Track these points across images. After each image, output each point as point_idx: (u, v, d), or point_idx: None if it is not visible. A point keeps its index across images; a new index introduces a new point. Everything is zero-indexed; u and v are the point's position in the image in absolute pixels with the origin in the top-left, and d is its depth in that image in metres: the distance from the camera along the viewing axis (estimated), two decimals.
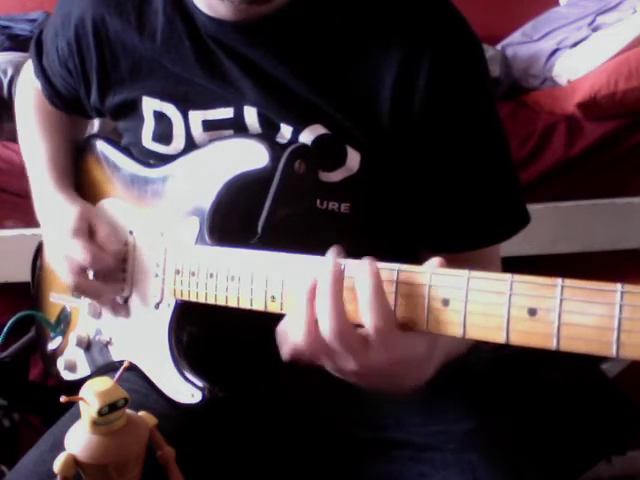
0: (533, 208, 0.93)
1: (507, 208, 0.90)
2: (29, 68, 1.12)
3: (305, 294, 0.67)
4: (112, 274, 0.95)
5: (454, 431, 0.84)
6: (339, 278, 0.65)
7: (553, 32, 1.98)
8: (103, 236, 0.93)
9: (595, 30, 1.87)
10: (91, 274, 0.95)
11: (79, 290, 0.96)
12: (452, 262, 0.64)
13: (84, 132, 1.18)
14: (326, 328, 0.65)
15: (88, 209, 0.98)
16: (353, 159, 0.85)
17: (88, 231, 0.94)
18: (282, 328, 0.72)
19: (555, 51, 1.87)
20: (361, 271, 0.64)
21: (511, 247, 0.96)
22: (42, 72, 1.06)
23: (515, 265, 0.86)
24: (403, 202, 0.89)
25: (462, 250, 0.88)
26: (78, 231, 0.93)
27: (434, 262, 0.63)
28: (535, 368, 0.93)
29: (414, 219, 0.90)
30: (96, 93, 0.97)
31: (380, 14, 0.84)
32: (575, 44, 1.84)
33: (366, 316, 0.64)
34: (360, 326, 0.66)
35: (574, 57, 1.80)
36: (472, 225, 0.88)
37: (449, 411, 0.86)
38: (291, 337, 0.69)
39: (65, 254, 0.93)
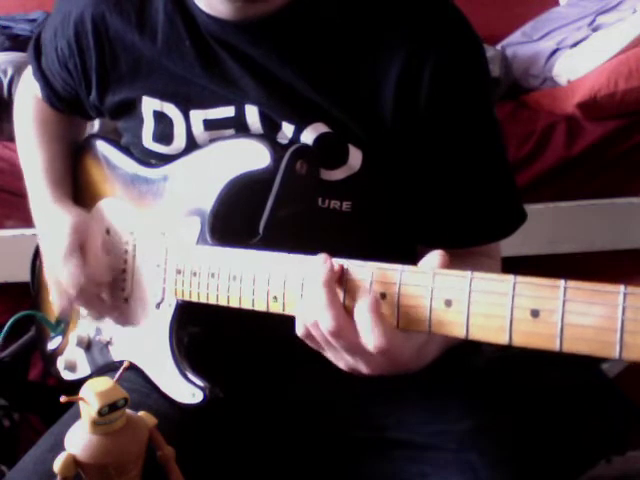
0: (533, 208, 0.93)
1: (506, 205, 0.91)
2: (29, 75, 1.11)
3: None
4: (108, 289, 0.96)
5: (454, 431, 0.84)
6: (331, 275, 0.66)
7: (553, 32, 1.98)
8: (94, 265, 0.93)
9: (595, 30, 1.87)
10: None
11: (64, 315, 0.96)
12: (452, 257, 0.64)
13: (83, 135, 1.17)
14: (324, 326, 0.66)
15: (82, 222, 0.97)
16: (355, 157, 0.85)
17: (81, 248, 0.94)
18: None
19: (555, 51, 1.87)
20: (359, 296, 0.66)
21: (511, 247, 0.97)
22: (41, 74, 1.06)
23: (515, 265, 0.86)
24: (404, 200, 0.89)
25: (462, 247, 0.89)
26: (71, 253, 0.93)
27: (435, 260, 0.63)
28: (535, 368, 0.93)
29: (414, 217, 0.90)
30: (95, 92, 0.97)
31: (383, 14, 0.84)
32: (575, 44, 1.84)
33: (368, 339, 0.65)
34: None
35: (574, 57, 1.80)
36: (471, 222, 0.89)
37: (449, 411, 0.86)
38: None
39: (56, 278, 0.94)
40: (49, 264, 0.98)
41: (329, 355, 0.70)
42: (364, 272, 0.66)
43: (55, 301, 0.95)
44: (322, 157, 0.85)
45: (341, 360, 0.70)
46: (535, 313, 0.55)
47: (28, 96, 1.12)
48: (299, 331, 0.70)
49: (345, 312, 0.66)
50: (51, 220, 0.99)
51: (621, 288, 0.51)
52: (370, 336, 0.64)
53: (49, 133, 1.09)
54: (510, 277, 0.57)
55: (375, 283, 0.65)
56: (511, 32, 2.18)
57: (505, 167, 0.91)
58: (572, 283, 0.54)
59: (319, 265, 0.67)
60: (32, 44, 1.07)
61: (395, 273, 0.64)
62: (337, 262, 0.68)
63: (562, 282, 0.54)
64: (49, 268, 0.98)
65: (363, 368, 0.68)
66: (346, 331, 0.66)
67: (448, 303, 0.60)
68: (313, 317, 0.67)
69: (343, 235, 0.86)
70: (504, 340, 0.57)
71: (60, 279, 0.93)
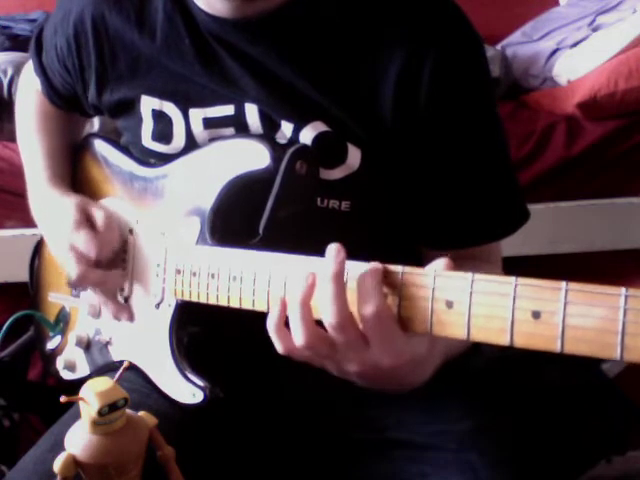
0: (533, 208, 0.93)
1: (507, 204, 0.91)
2: (29, 69, 1.12)
3: (301, 294, 0.67)
4: (114, 264, 0.95)
5: (454, 431, 0.84)
6: (342, 268, 0.65)
7: (553, 32, 1.98)
8: (102, 224, 0.93)
9: (595, 30, 1.87)
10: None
11: (83, 281, 0.95)
12: (453, 259, 0.64)
13: (82, 132, 1.18)
14: (328, 319, 0.65)
15: (83, 200, 0.98)
16: (354, 157, 0.85)
17: (88, 221, 0.94)
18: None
19: (555, 51, 1.87)
20: (360, 265, 0.65)
21: (511, 247, 0.97)
22: (42, 70, 1.07)
23: (515, 265, 0.86)
24: (403, 199, 0.89)
25: (463, 247, 0.89)
26: (79, 223, 0.93)
27: (440, 263, 0.63)
28: (535, 368, 0.93)
29: (415, 216, 0.90)
30: (94, 90, 0.97)
31: (382, 13, 0.84)
32: (575, 44, 1.84)
33: (361, 306, 0.64)
34: None
35: (574, 57, 1.80)
36: (473, 221, 0.89)
37: (449, 411, 0.86)
38: (293, 338, 0.68)
39: (70, 246, 0.93)
40: (56, 239, 0.98)
41: (324, 359, 0.70)
42: None
43: (72, 268, 0.94)
44: (321, 156, 0.85)
45: (330, 362, 0.69)
46: (536, 315, 0.55)
47: (30, 89, 1.12)
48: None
49: (348, 308, 0.66)
50: (51, 203, 1.00)
51: (622, 290, 0.51)
52: (371, 300, 0.63)
53: (50, 126, 1.10)
54: (511, 279, 0.57)
55: None
56: (511, 32, 2.18)
57: (507, 165, 0.91)
58: (573, 285, 0.54)
59: (330, 257, 0.66)
60: (34, 40, 1.08)
61: (396, 274, 0.64)
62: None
63: (563, 284, 0.54)
64: (56, 242, 0.97)
65: (354, 367, 0.68)
66: (350, 325, 0.65)
67: (449, 304, 0.60)
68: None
69: (342, 235, 0.86)
70: (505, 341, 0.57)
71: (75, 244, 0.92)
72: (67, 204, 0.96)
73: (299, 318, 0.67)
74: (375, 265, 0.65)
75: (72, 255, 0.93)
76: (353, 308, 0.65)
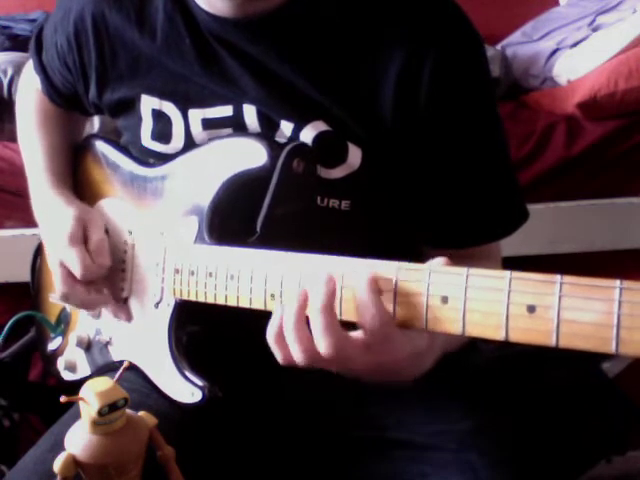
0: (533, 208, 0.93)
1: (507, 204, 0.91)
2: (29, 68, 1.12)
3: (295, 314, 0.67)
4: (107, 281, 0.95)
5: (455, 431, 0.84)
6: (332, 300, 0.66)
7: (553, 32, 1.98)
8: (95, 246, 0.93)
9: (595, 30, 1.87)
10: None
11: (66, 299, 0.95)
12: (453, 258, 0.64)
13: (82, 132, 1.18)
14: (323, 347, 0.66)
15: (84, 213, 0.97)
16: (354, 156, 0.85)
17: (83, 236, 0.94)
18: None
19: (555, 51, 1.87)
20: (356, 276, 0.65)
21: (511, 247, 0.97)
22: (42, 68, 1.07)
23: (515, 265, 0.86)
24: (404, 199, 0.89)
25: (463, 246, 0.89)
26: (73, 238, 0.92)
27: (439, 261, 0.63)
28: (535, 368, 0.93)
29: (415, 216, 0.90)
30: (94, 89, 0.97)
31: (383, 13, 0.84)
32: (575, 44, 1.84)
33: (361, 317, 0.65)
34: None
35: (574, 57, 1.80)
36: (473, 221, 0.89)
37: (450, 411, 0.86)
38: (291, 353, 0.69)
39: (59, 262, 0.93)
40: (51, 249, 0.97)
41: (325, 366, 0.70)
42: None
43: (58, 285, 0.94)
44: (321, 155, 0.85)
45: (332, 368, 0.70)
46: (531, 309, 0.55)
47: (30, 88, 1.13)
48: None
49: (342, 332, 0.66)
50: (53, 209, 0.99)
51: (617, 283, 0.51)
52: (370, 311, 0.64)
53: (50, 124, 1.10)
54: (506, 273, 0.57)
55: None
56: (511, 32, 2.18)
57: (506, 165, 0.91)
58: (568, 278, 0.53)
59: (320, 286, 0.66)
60: (34, 38, 1.08)
61: (391, 270, 0.64)
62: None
63: (558, 277, 0.54)
64: (51, 253, 0.97)
65: (354, 366, 0.68)
66: (347, 345, 0.66)
67: (444, 300, 0.60)
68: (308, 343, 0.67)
69: (342, 234, 0.86)
70: (500, 336, 0.57)
71: (65, 261, 0.92)
72: (67, 215, 0.95)
73: (294, 338, 0.67)
74: (369, 274, 0.64)
75: (60, 271, 0.93)
76: (347, 316, 0.66)
